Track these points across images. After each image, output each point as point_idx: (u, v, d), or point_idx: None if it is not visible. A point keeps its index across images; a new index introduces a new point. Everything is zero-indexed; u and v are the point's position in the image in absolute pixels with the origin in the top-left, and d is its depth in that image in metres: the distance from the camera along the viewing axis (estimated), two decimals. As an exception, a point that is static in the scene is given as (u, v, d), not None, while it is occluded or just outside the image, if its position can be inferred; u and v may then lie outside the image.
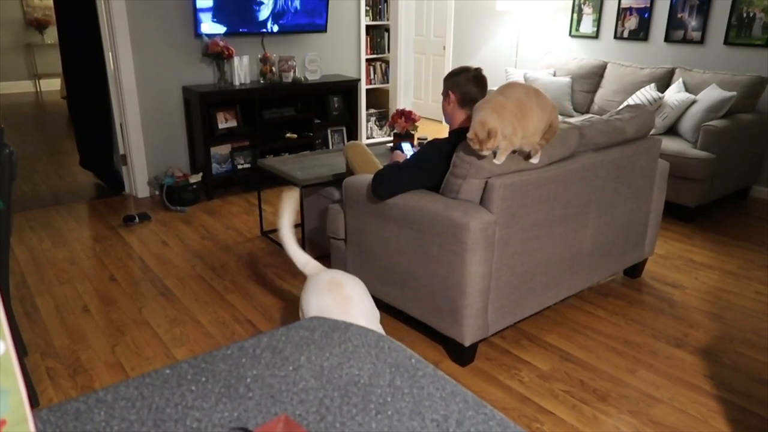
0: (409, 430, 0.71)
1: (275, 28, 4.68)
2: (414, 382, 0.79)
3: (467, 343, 2.36)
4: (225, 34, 4.43)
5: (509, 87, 2.17)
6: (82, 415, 0.73)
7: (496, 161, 2.20)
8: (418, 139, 3.87)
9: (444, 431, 0.70)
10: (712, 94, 4.01)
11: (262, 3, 4.54)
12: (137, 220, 3.96)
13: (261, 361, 0.84)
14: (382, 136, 6.04)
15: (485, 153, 2.10)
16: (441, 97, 2.60)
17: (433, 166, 2.41)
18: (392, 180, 2.43)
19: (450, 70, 2.62)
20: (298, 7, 4.73)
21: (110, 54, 4.25)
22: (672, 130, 4.24)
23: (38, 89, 9.29)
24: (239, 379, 0.80)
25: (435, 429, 0.71)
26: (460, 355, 2.44)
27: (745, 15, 4.30)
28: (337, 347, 0.87)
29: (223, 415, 0.73)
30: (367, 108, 6.02)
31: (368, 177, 2.61)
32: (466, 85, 2.48)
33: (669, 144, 3.97)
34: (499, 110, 2.08)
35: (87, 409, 0.74)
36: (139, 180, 4.48)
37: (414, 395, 0.77)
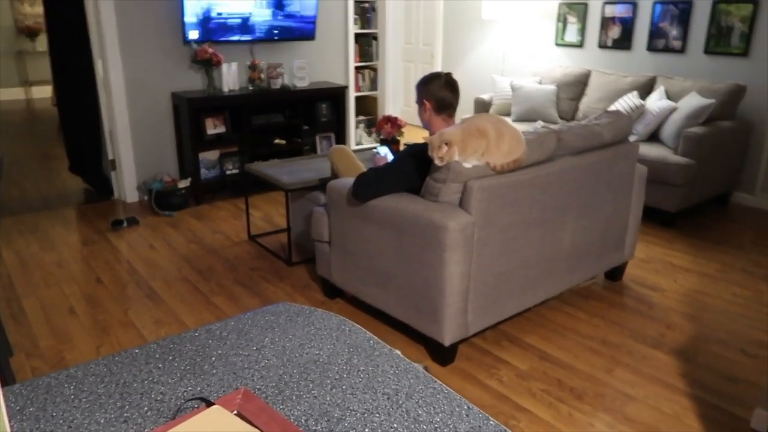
0: (362, 402, 0.75)
1: (264, 36, 4.74)
2: (370, 361, 0.84)
3: (447, 343, 2.40)
4: (213, 41, 4.49)
5: (492, 117, 2.33)
6: (52, 389, 0.77)
7: (465, 165, 2.27)
8: (405, 144, 3.92)
9: (394, 403, 0.75)
10: (692, 102, 4.09)
11: (252, 12, 4.60)
12: (125, 224, 3.99)
13: (227, 342, 0.88)
14: (371, 143, 6.10)
15: (437, 162, 2.25)
16: None
17: (412, 170, 2.47)
18: (372, 183, 2.48)
19: (420, 78, 2.68)
20: (288, 16, 4.80)
21: (100, 61, 4.29)
22: (654, 137, 4.32)
23: (29, 96, 9.31)
24: (204, 358, 0.84)
25: (386, 401, 0.75)
26: (441, 354, 2.48)
27: (723, 25, 4.39)
28: (300, 330, 0.91)
29: (187, 389, 0.78)
30: (357, 115, 6.08)
31: (351, 180, 2.66)
32: (439, 92, 2.55)
33: (650, 150, 4.04)
34: (465, 131, 2.24)
35: (57, 384, 0.78)
36: (127, 185, 4.51)
37: (369, 372, 0.81)
